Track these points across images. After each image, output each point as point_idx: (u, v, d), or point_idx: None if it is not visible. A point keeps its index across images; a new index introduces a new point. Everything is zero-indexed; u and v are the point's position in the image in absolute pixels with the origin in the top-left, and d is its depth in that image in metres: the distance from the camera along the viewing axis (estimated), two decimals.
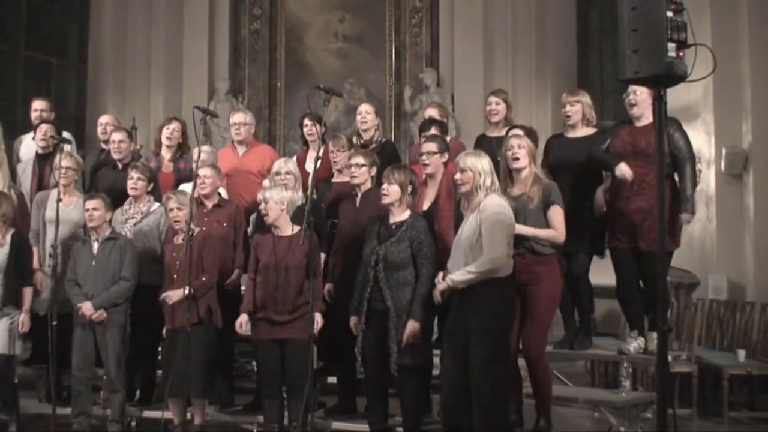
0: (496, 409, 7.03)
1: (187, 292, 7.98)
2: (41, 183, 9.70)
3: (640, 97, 8.23)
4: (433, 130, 8.89)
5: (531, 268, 7.49)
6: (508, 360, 7.37)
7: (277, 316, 7.95)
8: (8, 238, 8.46)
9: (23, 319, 8.47)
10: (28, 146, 10.23)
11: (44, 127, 9.85)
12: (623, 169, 8.12)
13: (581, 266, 8.59)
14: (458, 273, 6.95)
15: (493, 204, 7.03)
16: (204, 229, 8.56)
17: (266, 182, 9.05)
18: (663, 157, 5.96)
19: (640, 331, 8.49)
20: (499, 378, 7.03)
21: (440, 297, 7.23)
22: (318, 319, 7.83)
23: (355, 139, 9.60)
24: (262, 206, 8.08)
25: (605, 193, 8.52)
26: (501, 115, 9.19)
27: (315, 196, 8.07)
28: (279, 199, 8.06)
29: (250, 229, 9.11)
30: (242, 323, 8.06)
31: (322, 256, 8.42)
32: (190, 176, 9.27)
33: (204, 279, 8.26)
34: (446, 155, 8.01)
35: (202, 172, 8.85)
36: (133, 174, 8.97)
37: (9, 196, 8.73)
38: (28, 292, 8.57)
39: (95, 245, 8.58)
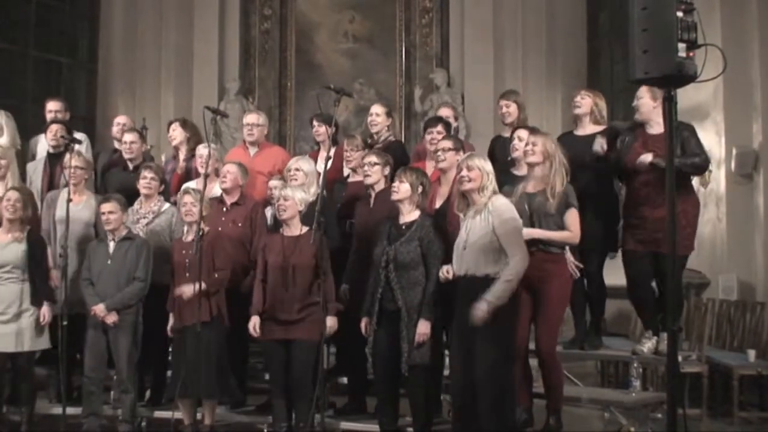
0: (503, 409, 7.05)
1: (199, 287, 8.00)
2: (52, 182, 9.73)
3: (641, 102, 8.22)
4: (439, 128, 8.89)
5: (542, 265, 7.50)
6: (514, 360, 7.39)
7: (284, 317, 7.95)
8: (25, 234, 8.52)
9: (44, 311, 8.50)
10: (44, 146, 10.25)
11: (55, 127, 9.89)
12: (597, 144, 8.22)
13: (595, 265, 8.58)
14: (495, 290, 6.90)
15: (504, 206, 7.10)
16: (219, 229, 8.63)
17: (273, 182, 9.06)
18: (673, 158, 5.94)
19: (654, 331, 8.48)
20: (506, 378, 7.06)
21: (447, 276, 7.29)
22: (330, 322, 7.85)
23: (368, 140, 9.59)
24: (281, 202, 8.07)
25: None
26: (513, 117, 9.18)
27: (325, 195, 8.09)
28: (300, 200, 8.08)
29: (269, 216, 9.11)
30: (255, 325, 8.07)
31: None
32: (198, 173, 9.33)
33: (217, 275, 8.28)
34: (461, 154, 8.01)
35: (225, 167, 8.93)
36: (147, 174, 9.02)
37: (24, 194, 8.79)
38: (48, 285, 8.63)
39: (111, 245, 8.60)
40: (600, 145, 8.28)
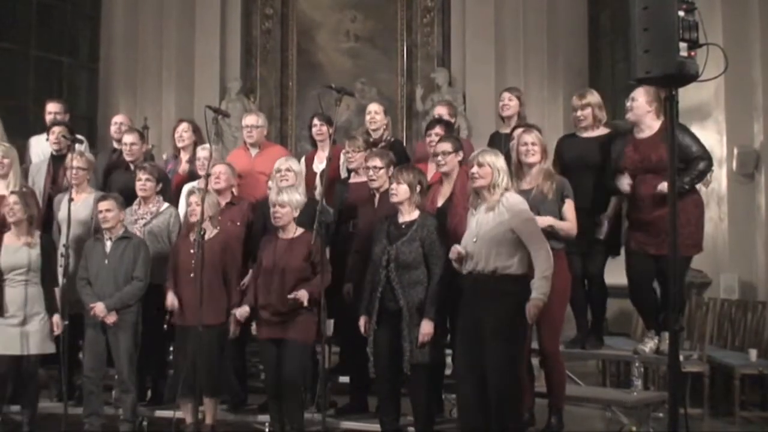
0: (514, 408, 7.04)
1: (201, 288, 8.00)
2: (55, 183, 9.72)
3: (636, 104, 8.19)
4: (438, 129, 8.89)
5: None
6: (524, 359, 7.39)
7: (275, 318, 7.98)
8: (37, 238, 8.52)
9: (57, 320, 8.47)
10: (39, 147, 10.25)
11: (57, 129, 9.84)
12: (623, 183, 8.18)
13: (597, 266, 8.59)
14: (539, 287, 6.89)
15: (519, 202, 7.10)
16: (228, 223, 8.66)
17: (272, 182, 9.07)
18: (675, 159, 5.94)
19: (656, 331, 8.47)
20: (516, 378, 7.03)
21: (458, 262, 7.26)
22: (303, 293, 7.86)
23: (368, 138, 9.57)
24: (277, 209, 8.07)
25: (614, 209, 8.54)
26: (513, 110, 9.21)
27: (324, 198, 8.11)
28: (296, 205, 8.09)
29: None
30: (242, 313, 8.17)
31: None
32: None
33: (238, 290, 8.37)
34: (461, 154, 8.02)
35: (216, 168, 8.91)
36: (141, 175, 8.98)
37: (33, 195, 8.78)
38: (56, 293, 8.58)
39: (108, 244, 8.59)
40: (627, 184, 8.23)
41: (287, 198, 8.07)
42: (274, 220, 8.11)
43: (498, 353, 6.89)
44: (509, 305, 6.93)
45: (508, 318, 6.92)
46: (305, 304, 7.89)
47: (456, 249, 7.18)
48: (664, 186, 7.77)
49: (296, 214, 8.11)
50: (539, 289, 6.87)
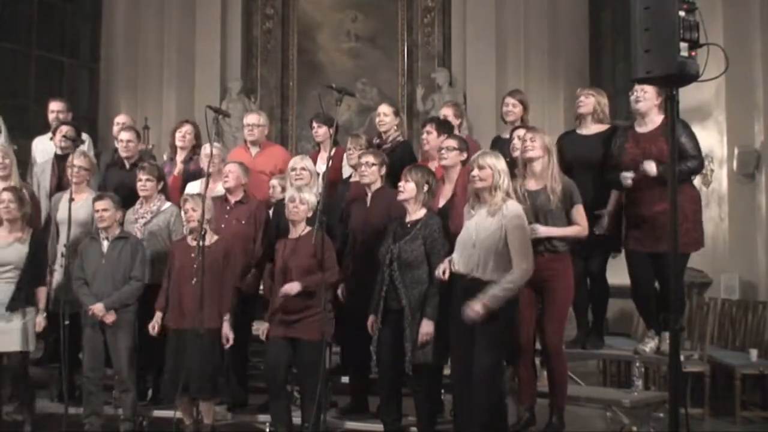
0: (497, 410, 7.08)
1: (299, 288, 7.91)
2: (60, 183, 9.71)
3: (646, 95, 8.17)
4: (429, 127, 8.87)
5: (549, 265, 7.50)
6: (509, 363, 7.39)
7: (286, 317, 7.95)
8: (28, 236, 8.49)
9: (39, 320, 8.46)
10: (43, 147, 10.26)
11: (64, 128, 9.85)
12: (626, 177, 8.14)
13: (598, 266, 8.60)
14: (493, 293, 6.85)
15: (517, 212, 7.05)
16: (222, 226, 8.65)
17: (273, 181, 9.07)
18: (676, 157, 5.94)
19: (656, 331, 8.46)
20: (498, 379, 7.09)
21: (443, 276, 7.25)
22: (291, 286, 7.81)
23: (375, 140, 9.57)
24: (296, 204, 8.03)
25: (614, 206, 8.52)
26: (516, 116, 9.16)
27: (326, 196, 8.10)
28: (312, 205, 8.07)
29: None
30: (262, 331, 8.13)
31: None
32: (199, 174, 9.28)
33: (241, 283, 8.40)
34: (465, 154, 8.01)
35: (227, 167, 8.94)
36: (141, 175, 8.96)
37: (27, 195, 8.77)
38: (42, 292, 8.56)
39: (105, 244, 8.56)
40: (629, 179, 8.20)
41: (307, 195, 8.07)
42: (289, 213, 8.08)
43: (485, 357, 6.94)
44: (497, 311, 6.93)
45: (497, 322, 6.93)
46: (291, 294, 7.82)
47: (441, 272, 7.27)
48: (651, 167, 7.84)
49: (309, 214, 8.09)
50: (491, 296, 6.86)
